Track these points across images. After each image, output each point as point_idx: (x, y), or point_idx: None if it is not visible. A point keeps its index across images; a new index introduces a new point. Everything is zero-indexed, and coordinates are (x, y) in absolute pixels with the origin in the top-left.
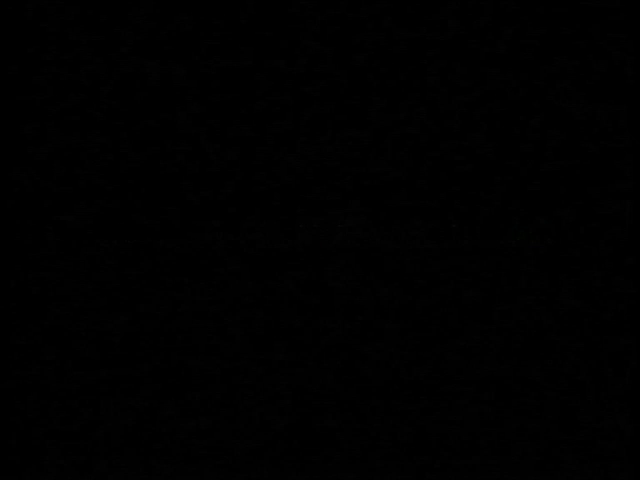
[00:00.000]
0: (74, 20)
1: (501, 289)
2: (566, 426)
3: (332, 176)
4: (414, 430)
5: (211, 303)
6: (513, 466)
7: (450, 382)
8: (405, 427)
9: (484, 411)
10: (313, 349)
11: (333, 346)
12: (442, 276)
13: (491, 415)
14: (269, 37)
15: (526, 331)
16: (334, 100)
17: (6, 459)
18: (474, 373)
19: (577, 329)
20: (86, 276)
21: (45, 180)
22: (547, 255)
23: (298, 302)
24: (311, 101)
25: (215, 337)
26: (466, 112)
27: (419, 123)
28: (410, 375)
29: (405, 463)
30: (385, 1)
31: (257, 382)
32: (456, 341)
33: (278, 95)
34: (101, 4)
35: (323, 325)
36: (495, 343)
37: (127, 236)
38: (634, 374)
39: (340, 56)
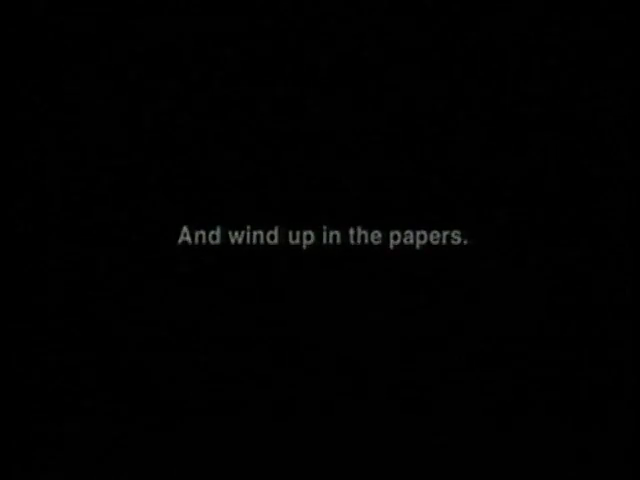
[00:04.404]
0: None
1: (499, 287)
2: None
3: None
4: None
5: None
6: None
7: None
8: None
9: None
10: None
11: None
12: (442, 275)
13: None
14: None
15: (524, 330)
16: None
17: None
18: (472, 373)
19: (575, 328)
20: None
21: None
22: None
23: (298, 302)
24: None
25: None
26: (463, 108)
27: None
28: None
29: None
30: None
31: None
32: (454, 341)
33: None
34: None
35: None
36: (494, 344)
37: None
38: (634, 375)
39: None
